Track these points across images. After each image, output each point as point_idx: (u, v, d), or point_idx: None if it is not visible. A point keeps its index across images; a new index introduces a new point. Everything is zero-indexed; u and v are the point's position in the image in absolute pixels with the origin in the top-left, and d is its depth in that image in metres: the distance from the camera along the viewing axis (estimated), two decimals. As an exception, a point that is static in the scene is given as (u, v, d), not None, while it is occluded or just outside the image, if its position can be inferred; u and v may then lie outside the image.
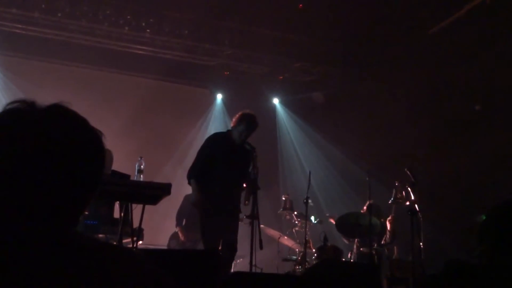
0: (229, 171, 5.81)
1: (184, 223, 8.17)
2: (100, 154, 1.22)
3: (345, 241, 7.57)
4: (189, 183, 5.90)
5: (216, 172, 5.81)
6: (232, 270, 7.54)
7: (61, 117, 1.18)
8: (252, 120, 5.93)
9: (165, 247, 8.09)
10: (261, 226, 5.67)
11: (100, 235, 5.14)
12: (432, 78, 8.97)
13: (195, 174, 5.81)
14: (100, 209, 6.44)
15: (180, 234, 8.12)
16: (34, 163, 1.11)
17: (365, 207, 7.47)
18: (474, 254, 2.13)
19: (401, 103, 9.09)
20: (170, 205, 8.04)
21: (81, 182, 1.17)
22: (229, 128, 6.13)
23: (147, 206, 4.87)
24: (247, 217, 5.69)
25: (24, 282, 1.01)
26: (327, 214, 8.04)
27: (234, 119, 6.01)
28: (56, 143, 1.14)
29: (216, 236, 5.65)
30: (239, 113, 6.01)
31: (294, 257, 7.33)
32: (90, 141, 1.20)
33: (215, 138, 6.12)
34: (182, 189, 8.18)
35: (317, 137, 10.43)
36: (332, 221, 7.69)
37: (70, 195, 1.15)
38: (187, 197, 8.17)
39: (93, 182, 1.21)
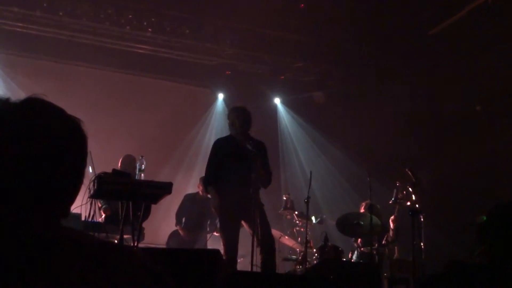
0: (240, 169, 5.85)
1: (184, 221, 8.17)
2: (81, 141, 1.23)
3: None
4: (207, 190, 6.18)
5: (229, 175, 5.92)
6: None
7: (37, 109, 1.20)
8: (239, 109, 6.16)
9: (165, 246, 8.09)
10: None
11: (102, 234, 5.14)
12: (433, 78, 8.97)
13: (210, 181, 6.01)
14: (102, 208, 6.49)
15: (181, 233, 8.13)
16: (16, 156, 1.12)
17: (362, 209, 7.44)
18: (474, 254, 2.13)
19: (402, 103, 9.09)
20: (171, 205, 8.05)
21: (65, 171, 1.18)
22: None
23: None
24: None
25: (15, 277, 1.01)
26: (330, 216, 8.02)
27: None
28: (36, 134, 1.15)
29: (235, 235, 5.80)
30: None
31: (295, 256, 7.32)
32: (68, 129, 1.21)
33: (218, 143, 6.26)
34: (183, 188, 8.20)
35: (318, 137, 10.42)
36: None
37: (55, 184, 1.16)
38: (187, 197, 8.19)
39: (77, 169, 1.22)
